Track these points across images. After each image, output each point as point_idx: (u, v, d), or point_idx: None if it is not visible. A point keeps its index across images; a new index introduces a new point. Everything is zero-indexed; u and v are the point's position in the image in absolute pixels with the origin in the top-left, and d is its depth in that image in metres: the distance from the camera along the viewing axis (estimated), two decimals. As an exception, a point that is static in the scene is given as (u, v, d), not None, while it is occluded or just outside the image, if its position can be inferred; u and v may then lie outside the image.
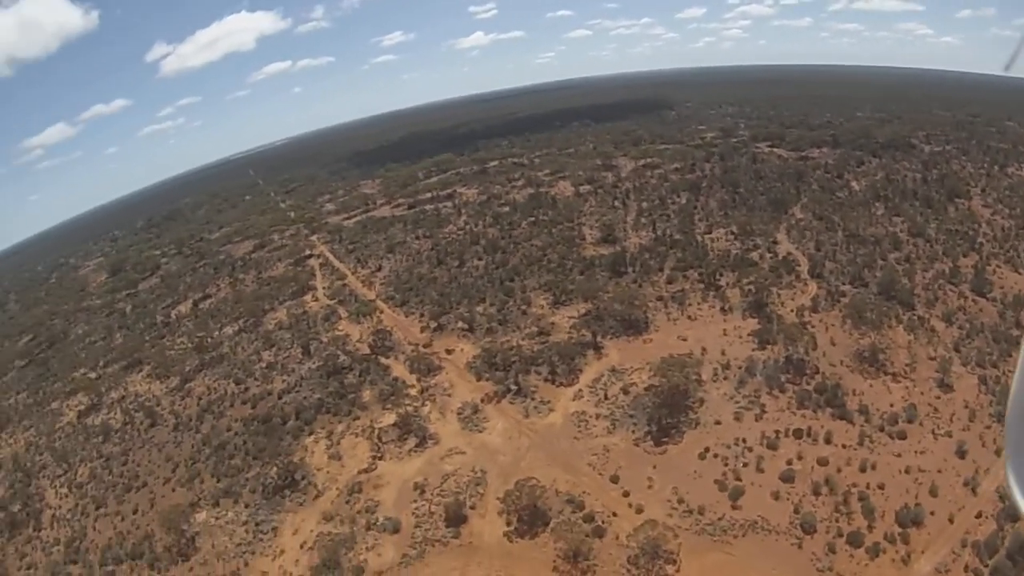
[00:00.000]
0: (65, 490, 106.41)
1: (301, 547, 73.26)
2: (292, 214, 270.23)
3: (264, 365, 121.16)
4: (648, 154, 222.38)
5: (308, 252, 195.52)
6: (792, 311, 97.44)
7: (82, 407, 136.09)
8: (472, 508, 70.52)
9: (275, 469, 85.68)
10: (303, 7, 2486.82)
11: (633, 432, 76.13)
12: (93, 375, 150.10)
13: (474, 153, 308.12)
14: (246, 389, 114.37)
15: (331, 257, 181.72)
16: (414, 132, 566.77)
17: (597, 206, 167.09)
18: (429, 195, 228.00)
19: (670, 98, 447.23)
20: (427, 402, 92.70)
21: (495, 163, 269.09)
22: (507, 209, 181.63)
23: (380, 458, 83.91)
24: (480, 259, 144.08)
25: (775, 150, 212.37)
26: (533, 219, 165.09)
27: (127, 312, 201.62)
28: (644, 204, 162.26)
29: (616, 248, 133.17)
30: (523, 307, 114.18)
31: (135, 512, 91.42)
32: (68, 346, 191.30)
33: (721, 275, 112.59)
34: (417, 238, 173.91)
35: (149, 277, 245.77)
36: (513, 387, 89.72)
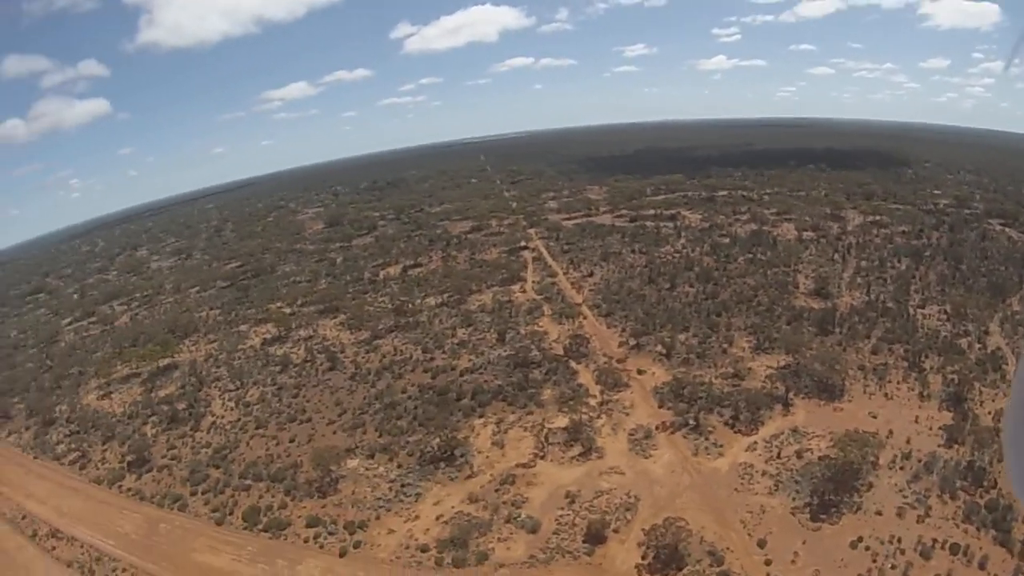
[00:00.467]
0: (232, 404, 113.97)
1: (437, 519, 74.63)
2: (514, 204, 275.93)
3: (456, 341, 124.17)
4: (878, 211, 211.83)
5: (524, 244, 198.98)
6: (990, 413, 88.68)
7: (268, 336, 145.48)
8: (615, 531, 69.28)
9: (437, 440, 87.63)
10: (547, 7, 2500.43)
11: (794, 499, 72.31)
12: (288, 311, 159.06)
13: (705, 179, 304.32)
14: (431, 359, 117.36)
15: (545, 253, 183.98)
16: (649, 147, 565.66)
17: (816, 255, 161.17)
18: (652, 212, 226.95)
19: (908, 154, 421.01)
20: (603, 415, 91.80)
21: (724, 193, 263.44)
22: (727, 241, 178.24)
23: (541, 457, 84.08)
24: (691, 286, 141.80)
25: (1007, 230, 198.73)
26: (751, 256, 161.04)
27: (337, 263, 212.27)
28: (863, 263, 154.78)
29: (827, 304, 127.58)
30: (724, 345, 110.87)
31: (291, 442, 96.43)
32: (272, 280, 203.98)
33: (927, 356, 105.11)
34: (633, 252, 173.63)
35: (364, 235, 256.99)
36: (691, 422, 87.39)
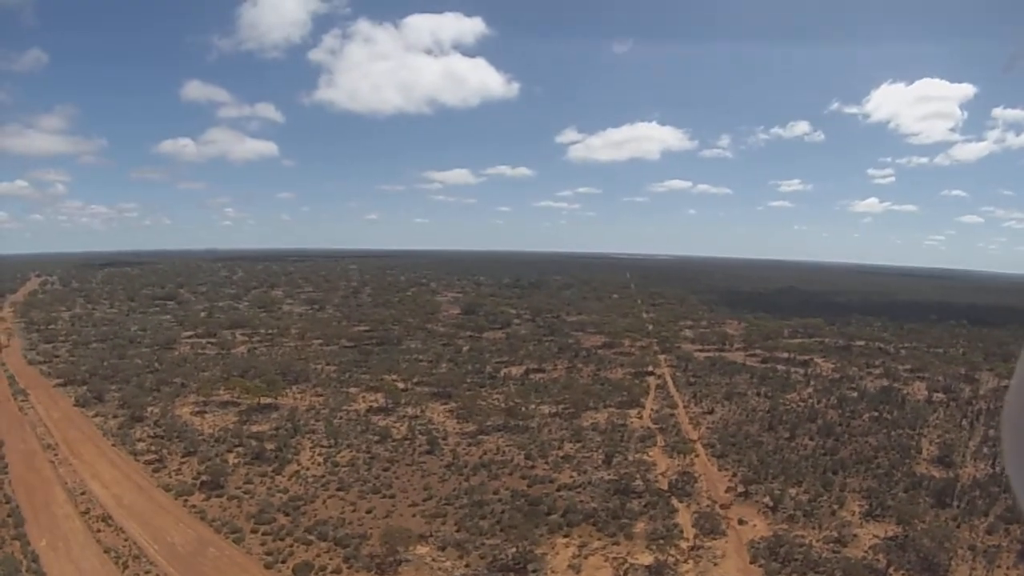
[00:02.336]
0: (320, 459, 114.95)
1: (486, 632, 69.82)
2: (650, 327, 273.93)
3: (561, 454, 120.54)
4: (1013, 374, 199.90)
5: (651, 369, 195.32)
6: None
7: (375, 405, 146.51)
8: None
9: (514, 549, 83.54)
10: (711, 132, 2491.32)
11: None
12: (401, 385, 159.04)
13: (844, 326, 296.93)
14: (532, 467, 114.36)
15: (670, 383, 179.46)
16: (792, 286, 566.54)
17: (944, 420, 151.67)
18: (785, 355, 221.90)
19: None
20: (691, 560, 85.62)
21: (861, 343, 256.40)
22: (855, 395, 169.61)
23: (615, 592, 78.42)
24: (811, 439, 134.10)
25: None
26: (877, 414, 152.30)
27: (462, 350, 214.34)
28: (992, 431, 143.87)
29: (949, 473, 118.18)
30: (834, 506, 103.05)
31: (367, 512, 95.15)
32: (394, 352, 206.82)
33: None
34: (758, 395, 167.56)
35: (496, 330, 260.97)
36: None
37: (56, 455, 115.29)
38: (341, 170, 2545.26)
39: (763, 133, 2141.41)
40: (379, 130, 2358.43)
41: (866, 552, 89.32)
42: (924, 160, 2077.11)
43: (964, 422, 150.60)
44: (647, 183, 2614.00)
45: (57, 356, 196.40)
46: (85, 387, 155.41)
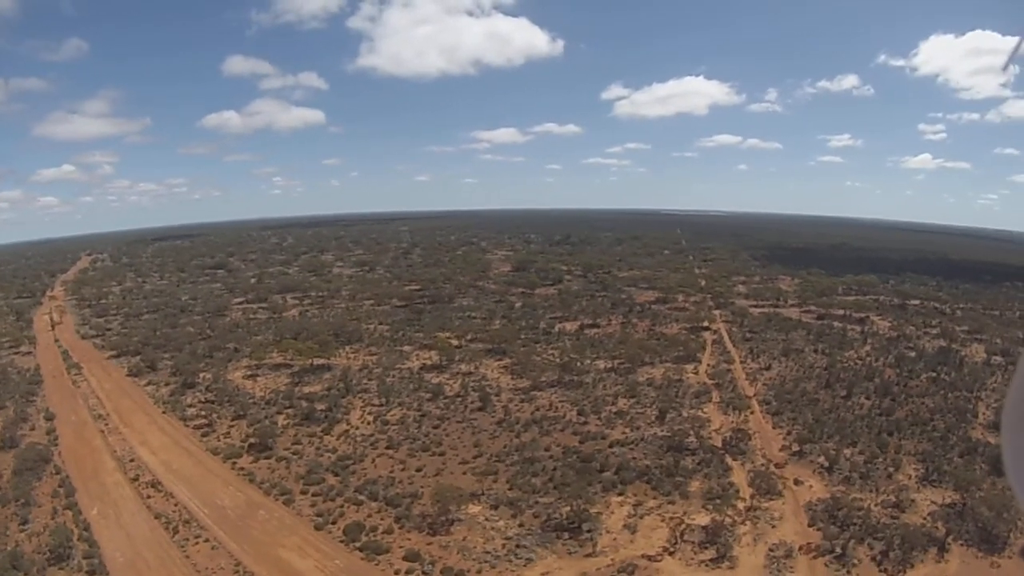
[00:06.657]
0: (370, 418, 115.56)
1: (541, 592, 69.77)
2: (703, 282, 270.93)
3: (614, 410, 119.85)
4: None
5: (706, 324, 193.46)
6: None
7: (429, 363, 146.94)
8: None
9: (568, 508, 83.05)
10: (757, 86, 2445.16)
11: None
12: (455, 343, 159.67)
13: (899, 284, 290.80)
14: (585, 423, 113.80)
15: (726, 338, 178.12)
16: (846, 243, 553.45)
17: (1003, 384, 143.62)
18: (841, 312, 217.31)
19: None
20: (748, 522, 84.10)
21: (916, 302, 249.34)
22: (913, 355, 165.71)
23: (671, 553, 77.29)
24: (868, 398, 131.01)
25: None
26: (935, 375, 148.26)
27: (515, 307, 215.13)
28: None
29: None
30: (890, 469, 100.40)
31: (417, 471, 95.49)
32: (446, 310, 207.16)
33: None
34: (815, 351, 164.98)
35: (548, 286, 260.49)
36: (838, 550, 78.55)
37: (106, 425, 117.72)
38: (388, 134, 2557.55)
39: (810, 87, 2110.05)
40: (424, 93, 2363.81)
41: (925, 519, 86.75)
42: (975, 116, 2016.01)
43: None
44: (696, 138, 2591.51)
45: (109, 329, 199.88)
46: (138, 357, 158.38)
